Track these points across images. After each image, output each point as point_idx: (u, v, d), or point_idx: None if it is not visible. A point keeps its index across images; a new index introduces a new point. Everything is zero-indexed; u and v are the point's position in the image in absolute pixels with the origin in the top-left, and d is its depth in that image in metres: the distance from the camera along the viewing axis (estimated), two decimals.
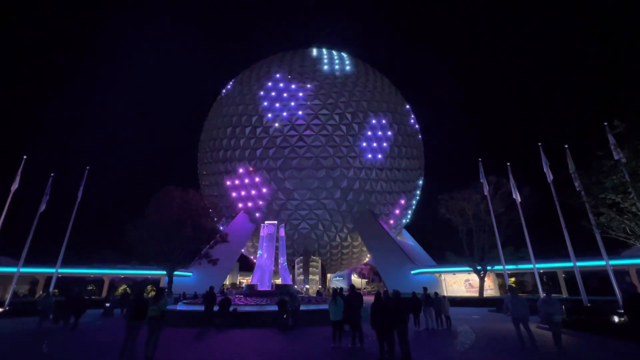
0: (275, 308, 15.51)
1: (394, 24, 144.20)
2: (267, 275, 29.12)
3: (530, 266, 23.99)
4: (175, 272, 30.50)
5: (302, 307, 16.46)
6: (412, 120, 53.63)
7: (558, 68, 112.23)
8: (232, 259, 43.82)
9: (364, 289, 65.10)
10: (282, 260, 34.83)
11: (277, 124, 44.77)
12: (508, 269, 27.99)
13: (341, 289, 14.62)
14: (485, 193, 28.22)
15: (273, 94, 46.89)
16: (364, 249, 48.10)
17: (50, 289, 23.73)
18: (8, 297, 22.87)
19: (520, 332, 10.51)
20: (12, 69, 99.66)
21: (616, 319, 13.30)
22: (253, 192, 44.90)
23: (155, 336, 9.25)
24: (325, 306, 16.09)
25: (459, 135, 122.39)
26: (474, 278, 34.00)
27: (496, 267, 30.57)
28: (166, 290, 12.11)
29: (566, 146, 20.84)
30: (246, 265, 59.84)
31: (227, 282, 52.89)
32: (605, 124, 17.96)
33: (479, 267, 31.55)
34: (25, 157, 24.18)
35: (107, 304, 22.89)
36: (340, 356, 9.77)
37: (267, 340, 12.58)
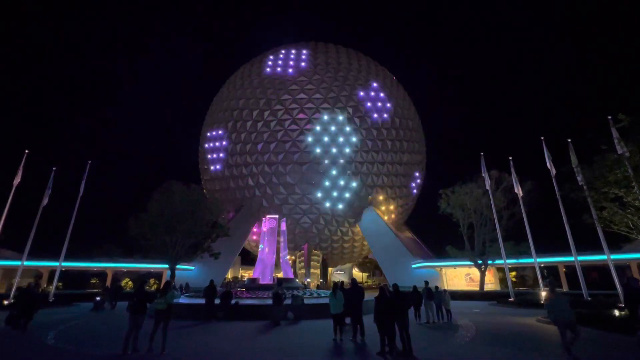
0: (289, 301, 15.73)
1: (395, 18, 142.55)
2: (268, 269, 29.28)
3: (531, 260, 24.04)
4: (178, 266, 30.75)
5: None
6: (413, 114, 53.31)
7: (561, 61, 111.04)
8: (233, 253, 44.05)
9: (365, 282, 65.47)
10: (284, 254, 34.99)
11: (278, 118, 44.59)
12: (509, 263, 28.04)
13: (342, 282, 14.68)
14: (487, 187, 28.14)
15: (274, 87, 46.60)
16: (365, 243, 48.23)
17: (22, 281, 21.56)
18: (13, 289, 23.15)
19: (566, 338, 8.50)
20: (15, 64, 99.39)
21: (617, 313, 13.33)
22: (254, 186, 44.91)
23: (164, 328, 9.36)
24: (325, 300, 16.20)
25: (460, 129, 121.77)
26: (475, 272, 34.09)
27: (497, 261, 30.63)
28: (173, 284, 11.96)
29: (569, 140, 20.68)
30: (248, 259, 60.16)
31: (229, 275, 53.24)
32: (609, 117, 17.79)
33: (479, 261, 31.63)
34: (27, 151, 24.22)
35: (98, 298, 22.12)
36: (341, 349, 9.85)
37: (268, 334, 12.69)
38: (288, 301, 16.15)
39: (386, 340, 8.95)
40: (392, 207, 48.36)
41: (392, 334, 8.88)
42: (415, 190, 52.13)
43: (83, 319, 16.87)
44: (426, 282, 16.59)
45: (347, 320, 11.57)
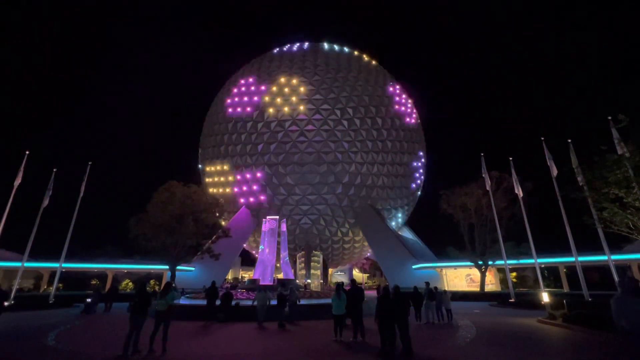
0: (275, 302, 15.68)
1: (394, 18, 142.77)
2: (269, 270, 29.27)
3: (532, 261, 24.04)
4: (178, 267, 30.75)
5: (302, 302, 16.61)
6: (414, 115, 53.35)
7: (561, 62, 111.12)
8: (234, 254, 44.04)
9: (365, 283, 65.44)
10: (284, 255, 34.97)
11: (278, 119, 44.65)
12: (509, 264, 28.05)
13: (342, 283, 14.71)
14: (487, 188, 28.17)
15: (274, 88, 46.68)
16: (366, 243, 48.22)
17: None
18: (13, 291, 23.18)
19: None
20: (15, 65, 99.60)
21: None
22: (254, 187, 44.95)
23: (165, 329, 9.39)
24: (326, 300, 16.19)
25: (461, 129, 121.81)
26: (475, 273, 34.11)
27: (497, 262, 30.64)
28: (173, 284, 11.77)
29: (569, 141, 20.72)
30: (248, 260, 60.16)
31: (229, 276, 53.23)
32: (609, 118, 17.82)
33: (480, 262, 31.62)
34: (27, 152, 24.27)
35: (88, 300, 20.70)
36: (342, 349, 9.85)
37: (269, 334, 12.69)
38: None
39: (387, 341, 8.95)
40: (392, 208, 48.35)
41: (392, 335, 8.89)
42: (415, 191, 52.16)
43: (70, 324, 15.11)
44: (427, 283, 16.60)
45: (348, 320, 11.57)
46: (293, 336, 12.25)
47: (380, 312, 9.10)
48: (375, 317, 9.15)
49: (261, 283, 27.13)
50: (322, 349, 9.86)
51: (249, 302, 17.10)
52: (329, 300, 12.37)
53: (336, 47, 54.55)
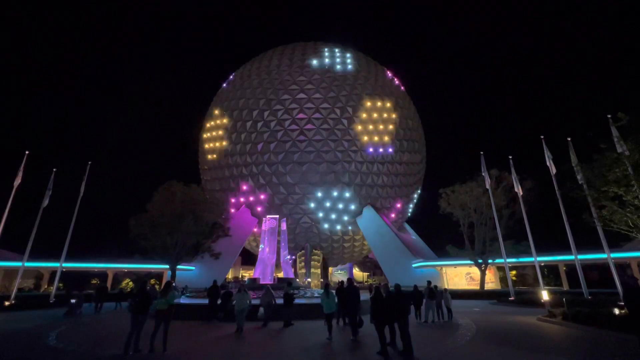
0: (279, 301, 15.61)
1: (393, 18, 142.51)
2: (269, 269, 29.29)
3: (532, 259, 24.08)
4: (178, 266, 30.78)
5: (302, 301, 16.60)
6: (413, 113, 53.29)
7: (560, 60, 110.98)
8: (234, 253, 44.07)
9: (366, 282, 65.55)
10: (284, 254, 35.00)
11: (278, 118, 44.61)
12: (509, 262, 28.09)
13: (342, 282, 14.71)
14: (487, 186, 28.19)
15: (274, 87, 46.60)
16: (365, 242, 48.26)
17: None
18: (14, 290, 23.24)
19: None
20: (15, 65, 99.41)
21: (617, 311, 13.33)
22: (255, 186, 44.93)
23: (165, 328, 9.41)
24: (317, 301, 16.15)
25: (461, 128, 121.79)
26: (475, 271, 34.14)
27: (497, 260, 30.70)
28: (174, 284, 11.58)
29: (569, 139, 20.73)
30: (248, 259, 60.19)
31: (230, 275, 53.26)
32: (609, 116, 17.82)
33: (480, 261, 31.67)
34: (27, 152, 24.27)
35: (72, 301, 19.12)
36: (342, 349, 9.88)
37: (270, 334, 12.72)
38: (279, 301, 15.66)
39: (385, 340, 8.97)
40: (392, 207, 48.36)
41: (392, 334, 8.90)
42: (415, 190, 52.16)
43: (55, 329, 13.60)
44: (429, 282, 16.61)
45: (346, 320, 11.62)
46: (292, 336, 12.27)
47: (375, 312, 9.11)
48: (371, 318, 9.17)
49: (262, 282, 27.15)
50: (322, 349, 9.89)
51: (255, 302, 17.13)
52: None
53: (335, 46, 54.43)
